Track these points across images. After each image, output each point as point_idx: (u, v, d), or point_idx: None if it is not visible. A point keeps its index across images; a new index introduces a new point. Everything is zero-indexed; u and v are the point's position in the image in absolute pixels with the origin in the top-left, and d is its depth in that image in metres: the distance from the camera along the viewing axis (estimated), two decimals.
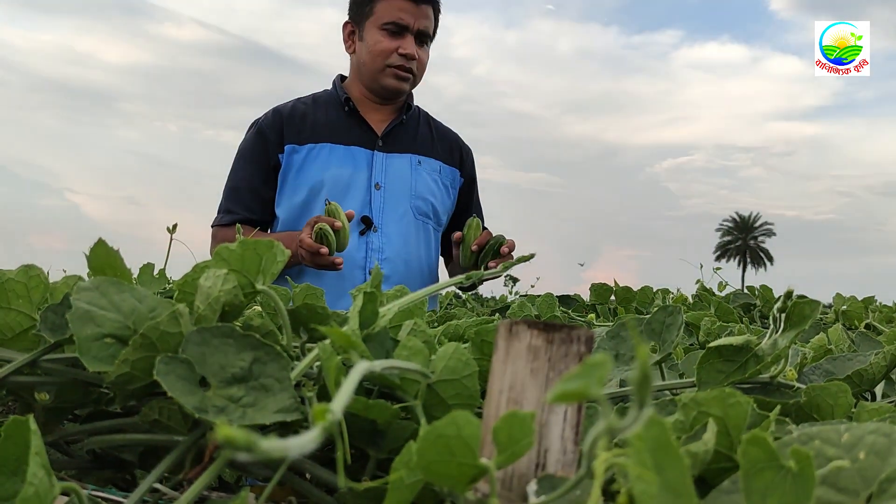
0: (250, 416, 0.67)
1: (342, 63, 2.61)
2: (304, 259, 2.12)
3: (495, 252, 2.19)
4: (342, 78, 2.61)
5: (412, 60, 2.40)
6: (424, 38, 2.42)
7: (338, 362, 0.68)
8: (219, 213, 2.50)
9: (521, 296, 2.73)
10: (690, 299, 2.61)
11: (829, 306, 3.28)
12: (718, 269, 2.82)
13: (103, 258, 0.83)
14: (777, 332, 0.81)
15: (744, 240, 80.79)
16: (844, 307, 2.38)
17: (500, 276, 1.02)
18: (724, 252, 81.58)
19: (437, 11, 2.48)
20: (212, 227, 2.51)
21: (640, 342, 0.29)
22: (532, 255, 1.05)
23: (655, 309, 0.93)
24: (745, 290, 2.84)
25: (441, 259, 2.62)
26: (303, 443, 0.35)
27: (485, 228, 2.39)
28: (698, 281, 3.65)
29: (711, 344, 0.79)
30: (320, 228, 2.05)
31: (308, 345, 0.88)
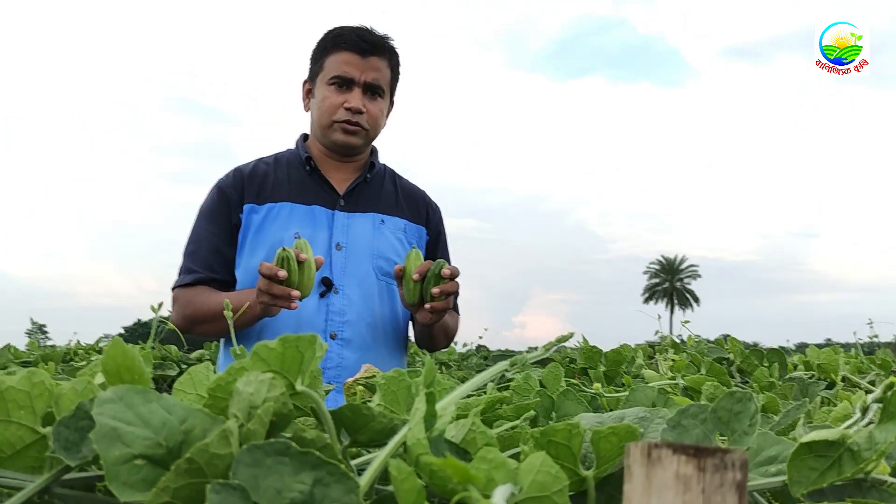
0: None
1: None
2: (260, 296, 1.94)
3: (437, 277, 2.10)
4: (305, 137, 2.54)
5: (359, 114, 2.34)
6: (375, 90, 2.37)
7: (417, 486, 0.59)
8: (180, 273, 2.38)
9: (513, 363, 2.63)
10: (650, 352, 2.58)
11: (788, 351, 3.29)
12: (687, 322, 2.79)
13: (120, 361, 0.72)
14: (864, 420, 0.76)
15: (670, 282, 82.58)
16: (819, 361, 2.37)
17: (543, 357, 0.94)
18: (652, 294, 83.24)
19: (393, 62, 2.43)
20: (172, 289, 2.38)
21: None
22: (571, 335, 0.98)
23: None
24: (714, 342, 2.82)
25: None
26: None
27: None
28: (658, 332, 3.62)
29: (803, 439, 0.72)
30: (283, 251, 1.90)
31: (349, 449, 0.79)
